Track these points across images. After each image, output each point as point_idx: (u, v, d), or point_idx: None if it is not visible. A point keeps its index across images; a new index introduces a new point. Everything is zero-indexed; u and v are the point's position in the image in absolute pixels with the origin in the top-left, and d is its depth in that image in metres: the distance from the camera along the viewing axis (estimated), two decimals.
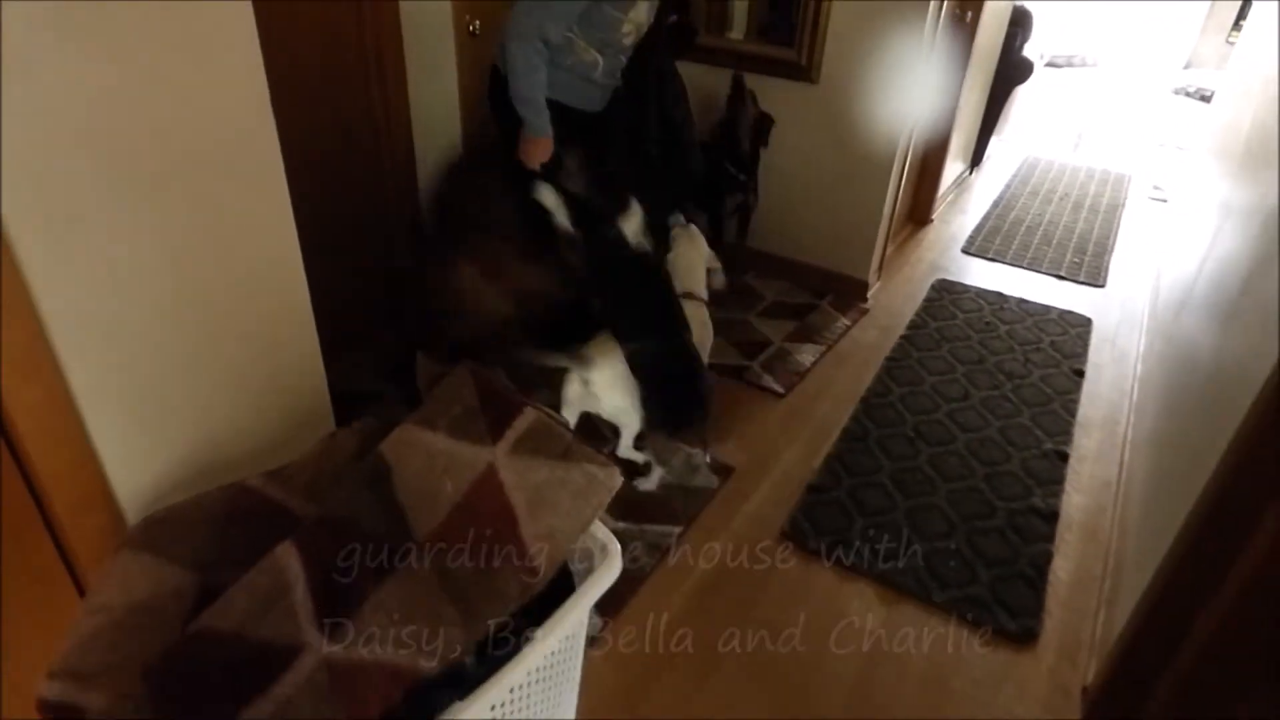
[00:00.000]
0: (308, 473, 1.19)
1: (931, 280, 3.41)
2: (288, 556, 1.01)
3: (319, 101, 2.22)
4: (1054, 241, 3.88)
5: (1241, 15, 5.87)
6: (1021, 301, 3.27)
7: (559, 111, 2.20)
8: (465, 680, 0.99)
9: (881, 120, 2.84)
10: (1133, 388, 2.74)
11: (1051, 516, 2.12)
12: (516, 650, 1.03)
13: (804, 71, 2.88)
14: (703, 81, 3.02)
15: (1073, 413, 2.58)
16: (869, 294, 3.21)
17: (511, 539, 1.08)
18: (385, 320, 2.66)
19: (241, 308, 1.28)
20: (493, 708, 1.03)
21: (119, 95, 1.03)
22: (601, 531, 1.21)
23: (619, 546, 1.19)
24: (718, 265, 2.47)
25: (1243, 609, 1.21)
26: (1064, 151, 5.25)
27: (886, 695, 1.65)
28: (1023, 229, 4.00)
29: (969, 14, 3.40)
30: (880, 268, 3.28)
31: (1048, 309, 3.23)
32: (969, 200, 4.35)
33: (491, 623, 1.02)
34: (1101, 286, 3.48)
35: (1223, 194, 2.59)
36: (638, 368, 2.01)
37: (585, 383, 2.02)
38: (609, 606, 1.77)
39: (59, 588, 1.18)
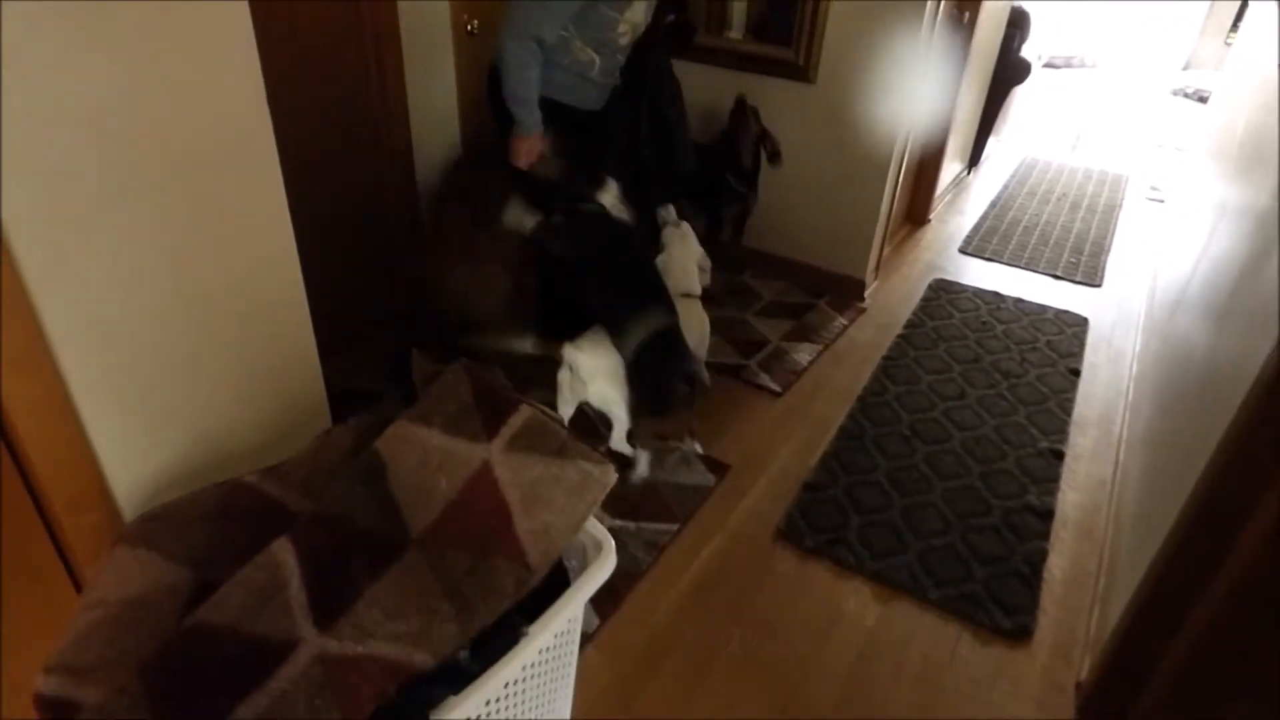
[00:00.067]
0: (303, 469, 1.20)
1: (929, 280, 3.42)
2: (283, 552, 1.02)
3: (318, 101, 2.23)
4: (1051, 241, 3.89)
5: (1240, 17, 5.88)
6: (1018, 301, 3.28)
7: (558, 110, 2.21)
8: (460, 676, 1.00)
9: (879, 120, 2.85)
10: (1128, 387, 2.75)
11: (1046, 514, 2.13)
12: (511, 646, 1.04)
13: (802, 71, 2.89)
14: (705, 86, 3.03)
15: (1068, 411, 2.59)
16: (866, 293, 3.22)
17: (506, 535, 1.08)
18: (383, 319, 2.67)
19: (238, 306, 1.29)
20: (487, 703, 1.04)
21: (117, 95, 1.03)
22: (596, 528, 1.21)
23: (613, 543, 1.20)
24: (708, 264, 2.49)
25: (1233, 606, 1.22)
26: (1062, 152, 5.26)
27: (881, 692, 1.66)
28: (1020, 229, 4.01)
29: (967, 15, 3.41)
30: (878, 267, 3.29)
31: (1044, 308, 3.23)
32: (967, 200, 4.35)
33: (486, 618, 1.03)
34: (1098, 286, 3.49)
35: (1218, 194, 2.60)
36: (623, 344, 2.04)
37: (574, 369, 2.05)
38: (605, 604, 1.78)
39: (56, 584, 1.19)
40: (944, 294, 3.31)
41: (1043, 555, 2.00)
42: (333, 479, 1.17)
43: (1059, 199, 4.44)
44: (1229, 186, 2.45)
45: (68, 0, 0.95)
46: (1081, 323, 3.15)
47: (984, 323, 3.10)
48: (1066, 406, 2.61)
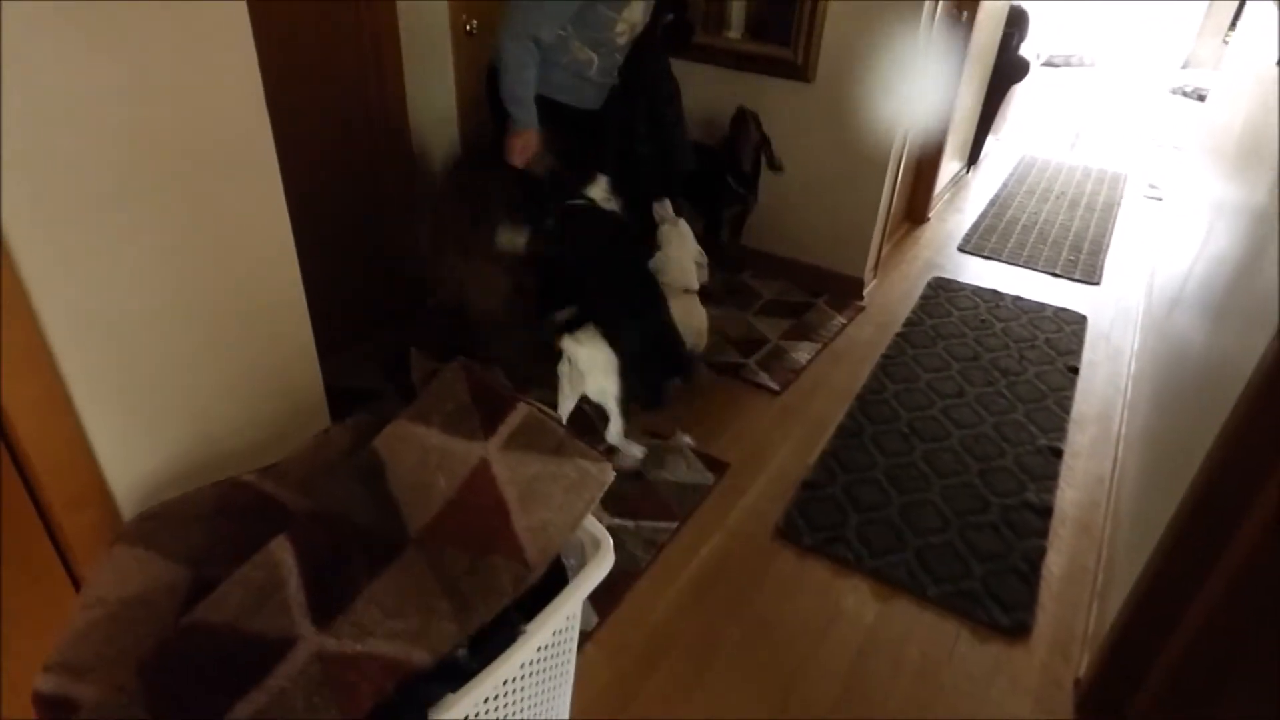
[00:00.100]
0: (302, 468, 1.20)
1: (927, 278, 3.42)
2: (282, 551, 1.02)
3: (317, 101, 2.23)
4: (1050, 240, 3.89)
5: (1238, 16, 5.87)
6: (1017, 299, 3.28)
7: (556, 110, 2.21)
8: (459, 673, 1.00)
9: (878, 119, 2.85)
10: (1126, 384, 2.75)
11: (1045, 511, 2.14)
12: (510, 644, 1.04)
13: (800, 71, 2.89)
14: (704, 85, 3.03)
15: (1067, 409, 2.59)
16: (865, 292, 3.22)
17: (504, 533, 1.09)
18: (382, 318, 2.67)
19: (238, 306, 1.29)
20: (485, 701, 1.04)
21: (116, 95, 1.03)
22: (595, 526, 1.22)
23: (611, 540, 1.20)
24: (704, 260, 2.49)
25: (1230, 602, 1.22)
26: (1061, 150, 5.26)
27: (880, 689, 1.66)
28: (1019, 227, 4.01)
29: (965, 13, 3.41)
30: (876, 266, 3.29)
31: (1043, 306, 3.24)
32: (965, 199, 4.36)
33: (485, 616, 1.03)
34: (1097, 284, 3.49)
35: (1215, 193, 2.60)
36: (616, 340, 2.05)
37: (572, 361, 2.07)
38: (604, 602, 1.78)
39: (55, 583, 1.19)
40: (943, 292, 3.31)
41: (1041, 552, 2.00)
42: (331, 478, 1.17)
43: (1058, 197, 4.44)
44: (1227, 185, 2.45)
45: (68, 0, 0.95)
46: (1080, 320, 3.15)
47: (983, 321, 3.10)
48: (1065, 404, 2.62)
